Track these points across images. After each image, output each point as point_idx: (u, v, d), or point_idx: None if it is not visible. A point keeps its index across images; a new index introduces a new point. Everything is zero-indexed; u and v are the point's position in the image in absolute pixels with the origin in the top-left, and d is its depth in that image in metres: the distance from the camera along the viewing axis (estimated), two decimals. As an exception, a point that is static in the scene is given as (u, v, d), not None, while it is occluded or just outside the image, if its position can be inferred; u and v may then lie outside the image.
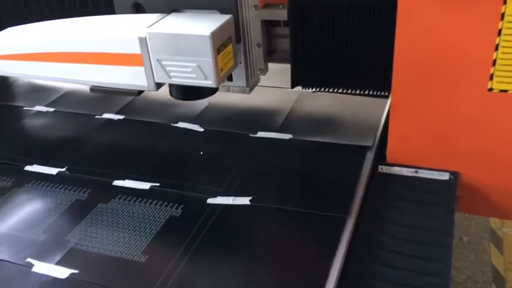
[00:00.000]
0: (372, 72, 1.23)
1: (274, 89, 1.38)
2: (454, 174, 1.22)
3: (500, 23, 1.00)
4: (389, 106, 1.21)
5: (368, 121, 1.44)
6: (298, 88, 1.34)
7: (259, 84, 1.32)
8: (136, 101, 1.67)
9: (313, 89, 1.34)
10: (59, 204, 1.22)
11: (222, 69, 1.08)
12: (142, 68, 1.09)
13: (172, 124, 1.53)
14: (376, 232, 1.09)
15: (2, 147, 1.49)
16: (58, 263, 1.05)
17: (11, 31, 1.26)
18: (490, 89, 1.08)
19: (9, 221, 1.19)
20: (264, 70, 1.27)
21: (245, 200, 1.19)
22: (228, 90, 1.27)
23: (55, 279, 1.01)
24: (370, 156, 1.30)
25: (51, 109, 1.68)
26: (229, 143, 1.44)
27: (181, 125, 1.52)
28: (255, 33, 1.20)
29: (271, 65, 1.31)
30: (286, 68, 1.29)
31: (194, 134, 1.48)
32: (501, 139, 1.14)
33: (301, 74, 1.29)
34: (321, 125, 1.45)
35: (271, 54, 1.30)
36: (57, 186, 1.29)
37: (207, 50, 1.02)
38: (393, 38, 1.10)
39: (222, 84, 1.23)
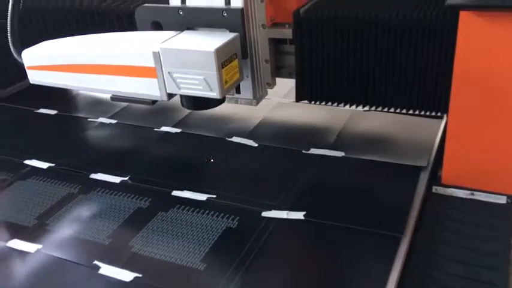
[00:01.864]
0: (370, 88, 1.27)
1: (326, 107, 1.41)
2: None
3: None
4: (446, 127, 1.21)
5: (422, 141, 1.44)
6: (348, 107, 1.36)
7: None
8: (192, 115, 1.75)
9: (364, 108, 1.36)
10: (122, 211, 1.30)
11: (226, 82, 1.16)
12: (156, 80, 1.19)
13: (226, 138, 1.59)
14: (431, 253, 1.09)
15: (69, 155, 1.59)
16: (123, 267, 1.11)
17: (45, 44, 1.36)
18: (552, 114, 1.08)
19: (76, 225, 1.27)
20: (272, 84, 1.35)
21: (299, 215, 1.22)
22: (236, 102, 1.35)
23: (120, 282, 1.08)
24: (424, 177, 1.30)
25: (114, 121, 1.78)
26: (283, 158, 1.48)
27: (235, 139, 1.58)
28: (262, 50, 1.28)
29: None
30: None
31: (248, 149, 1.53)
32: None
33: (305, 88, 1.34)
34: (373, 144, 1.47)
35: (279, 70, 1.36)
36: (120, 194, 1.37)
37: (212, 64, 1.11)
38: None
39: (230, 96, 1.32)
